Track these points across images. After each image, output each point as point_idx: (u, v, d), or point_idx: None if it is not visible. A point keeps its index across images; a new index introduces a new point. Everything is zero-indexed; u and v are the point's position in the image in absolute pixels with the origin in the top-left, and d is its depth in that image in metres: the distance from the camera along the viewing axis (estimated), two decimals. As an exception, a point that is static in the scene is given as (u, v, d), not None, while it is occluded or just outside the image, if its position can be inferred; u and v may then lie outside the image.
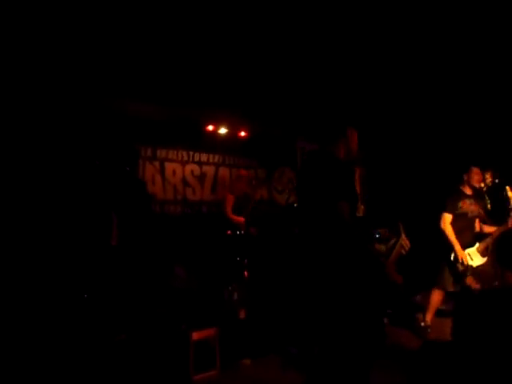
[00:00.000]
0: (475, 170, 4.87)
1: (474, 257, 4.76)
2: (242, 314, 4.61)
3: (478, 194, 4.94)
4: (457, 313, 2.79)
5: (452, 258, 4.75)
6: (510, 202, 4.75)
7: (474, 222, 4.91)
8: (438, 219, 4.84)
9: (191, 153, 6.29)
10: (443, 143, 6.75)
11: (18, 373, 3.40)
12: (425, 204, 5.73)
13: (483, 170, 4.98)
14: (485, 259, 4.76)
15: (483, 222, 5.00)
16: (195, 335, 3.76)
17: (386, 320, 5.12)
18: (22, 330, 3.78)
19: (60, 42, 4.37)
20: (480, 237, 4.89)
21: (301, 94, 6.10)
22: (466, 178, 4.89)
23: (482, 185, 4.94)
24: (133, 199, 4.75)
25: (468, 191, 4.90)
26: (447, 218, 4.81)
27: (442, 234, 4.82)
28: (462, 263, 4.70)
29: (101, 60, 4.71)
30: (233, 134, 6.42)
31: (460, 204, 4.82)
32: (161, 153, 5.99)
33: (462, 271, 4.72)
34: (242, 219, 5.52)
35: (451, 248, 4.75)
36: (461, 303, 3.00)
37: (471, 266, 4.71)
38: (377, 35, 4.83)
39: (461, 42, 4.95)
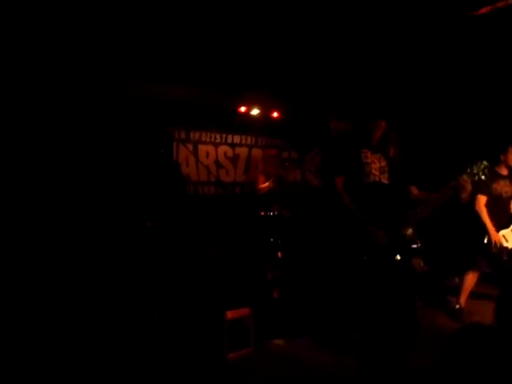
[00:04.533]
0: None
1: (509, 238, 4.68)
2: (276, 294, 4.67)
3: None
4: (502, 296, 2.73)
5: (486, 241, 4.67)
6: None
7: (509, 202, 4.82)
8: (473, 201, 4.74)
9: (224, 135, 6.33)
10: (480, 124, 6.54)
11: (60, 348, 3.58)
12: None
13: None
14: (521, 241, 4.70)
15: None
16: (230, 314, 3.84)
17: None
18: (64, 306, 3.97)
19: (96, 25, 4.44)
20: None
21: (333, 73, 6.01)
22: (502, 158, 4.81)
23: None
24: (167, 181, 4.85)
25: (504, 172, 4.82)
26: (482, 199, 4.74)
27: (476, 217, 4.74)
28: (496, 245, 4.62)
29: (135, 44, 4.77)
30: (265, 115, 6.40)
31: (494, 185, 4.74)
32: (194, 135, 6.06)
33: (497, 253, 4.65)
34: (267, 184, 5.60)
35: (485, 230, 4.68)
36: (506, 286, 2.95)
37: (506, 248, 4.64)
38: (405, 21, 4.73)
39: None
